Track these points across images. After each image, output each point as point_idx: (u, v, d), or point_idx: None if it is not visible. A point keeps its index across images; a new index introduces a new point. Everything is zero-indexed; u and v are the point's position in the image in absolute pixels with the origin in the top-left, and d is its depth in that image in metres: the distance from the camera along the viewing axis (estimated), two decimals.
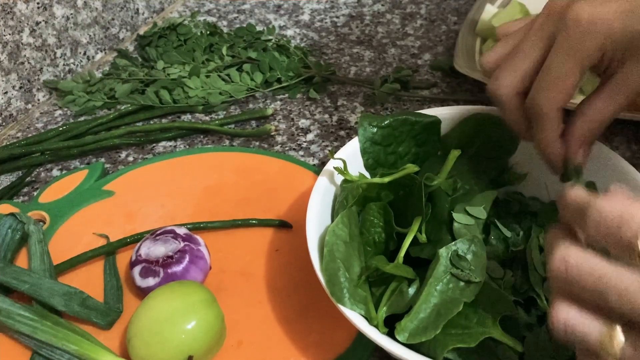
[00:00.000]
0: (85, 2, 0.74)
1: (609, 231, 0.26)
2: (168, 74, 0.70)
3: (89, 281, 0.48)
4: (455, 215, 0.41)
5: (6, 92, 0.66)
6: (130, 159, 0.62)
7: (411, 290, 0.38)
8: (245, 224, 0.51)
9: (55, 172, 0.61)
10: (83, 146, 0.62)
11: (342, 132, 0.63)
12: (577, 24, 0.35)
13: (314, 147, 0.61)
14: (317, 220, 0.41)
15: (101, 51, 0.78)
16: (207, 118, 0.67)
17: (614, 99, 0.37)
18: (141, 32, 0.82)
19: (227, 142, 0.63)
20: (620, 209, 0.26)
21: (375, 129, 0.45)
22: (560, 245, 0.27)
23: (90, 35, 0.75)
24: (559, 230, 0.29)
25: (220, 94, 0.67)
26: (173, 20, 0.77)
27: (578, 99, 0.60)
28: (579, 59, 0.36)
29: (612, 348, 0.25)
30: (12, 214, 0.51)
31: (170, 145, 0.63)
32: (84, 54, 0.75)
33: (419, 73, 0.71)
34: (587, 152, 0.40)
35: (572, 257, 0.27)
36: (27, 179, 0.60)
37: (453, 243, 0.38)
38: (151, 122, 0.66)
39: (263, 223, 0.51)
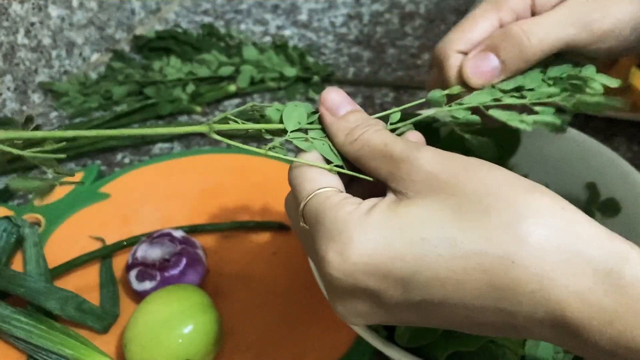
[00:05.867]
0: (80, 2, 0.73)
1: (293, 190, 0.29)
2: (165, 75, 0.69)
3: (85, 285, 0.47)
4: None
5: (1, 94, 0.66)
6: (127, 160, 0.61)
7: None
8: (242, 226, 0.51)
9: (51, 175, 0.60)
10: (78, 148, 0.61)
11: None
12: None
13: None
14: None
15: (97, 52, 0.77)
16: (204, 119, 0.66)
17: None
18: (137, 32, 0.81)
19: (224, 143, 0.62)
20: (296, 174, 0.29)
21: None
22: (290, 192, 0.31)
23: (85, 36, 0.75)
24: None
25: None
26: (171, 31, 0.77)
27: None
28: None
29: None
30: (7, 217, 0.50)
31: (167, 147, 0.63)
32: (80, 54, 0.75)
33: (418, 73, 0.70)
34: None
35: (287, 202, 0.31)
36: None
37: None
38: (147, 123, 0.66)
39: (261, 225, 0.51)
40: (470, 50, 0.36)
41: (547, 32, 0.33)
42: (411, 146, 0.27)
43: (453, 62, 0.36)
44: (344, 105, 0.31)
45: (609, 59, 0.40)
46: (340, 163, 0.30)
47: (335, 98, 0.31)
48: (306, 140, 0.30)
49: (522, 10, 0.36)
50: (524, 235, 0.23)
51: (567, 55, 0.35)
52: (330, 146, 0.30)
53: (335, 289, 0.27)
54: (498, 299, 0.24)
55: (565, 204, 0.24)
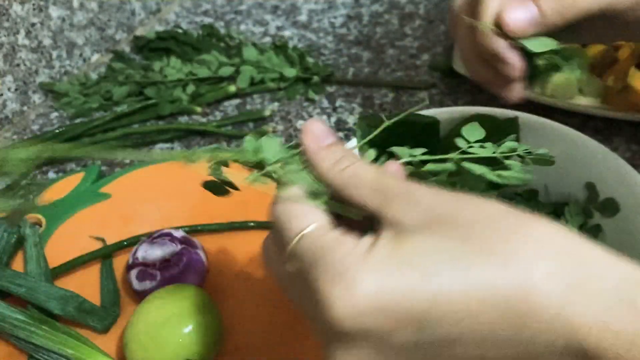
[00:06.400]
0: (81, 3, 0.73)
1: (278, 231, 0.28)
2: (165, 76, 0.69)
3: (86, 284, 0.48)
4: None
5: (2, 94, 0.66)
6: (127, 161, 0.61)
7: None
8: (243, 226, 0.51)
9: (52, 175, 0.60)
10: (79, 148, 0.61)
11: (340, 134, 0.63)
12: None
13: None
14: None
15: (97, 52, 0.77)
16: (204, 119, 0.66)
17: None
18: (138, 33, 0.81)
19: (224, 143, 0.63)
20: (280, 212, 0.28)
21: (373, 131, 0.45)
22: (267, 237, 0.31)
23: (86, 37, 0.75)
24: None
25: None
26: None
27: (578, 99, 0.60)
28: None
29: None
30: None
31: (167, 147, 0.63)
32: (80, 55, 0.75)
33: (417, 74, 0.70)
34: None
35: (266, 251, 0.30)
36: (23, 182, 0.59)
37: None
38: (148, 123, 0.66)
39: (261, 225, 0.51)
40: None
41: None
42: (403, 181, 0.27)
43: (491, 3, 0.37)
44: (328, 136, 0.30)
45: (635, 38, 0.40)
46: (326, 195, 0.28)
47: (319, 128, 0.30)
48: (288, 171, 0.29)
49: None
50: (538, 261, 0.23)
51: (590, 28, 0.36)
52: (312, 178, 0.29)
53: (337, 337, 0.25)
54: (517, 327, 0.23)
55: (567, 229, 0.24)
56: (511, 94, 0.41)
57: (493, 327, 0.23)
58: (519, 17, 0.35)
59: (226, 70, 0.69)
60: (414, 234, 0.25)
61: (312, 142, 0.30)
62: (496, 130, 0.45)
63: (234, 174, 0.31)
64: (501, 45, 0.37)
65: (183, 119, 0.67)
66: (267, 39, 0.79)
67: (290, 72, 0.69)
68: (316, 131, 0.30)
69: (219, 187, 0.32)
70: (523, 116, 0.43)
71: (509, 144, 0.34)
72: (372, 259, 0.24)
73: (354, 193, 0.27)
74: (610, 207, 0.42)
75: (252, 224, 0.51)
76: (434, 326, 0.23)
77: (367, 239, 0.25)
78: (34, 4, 0.67)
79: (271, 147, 0.30)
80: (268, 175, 0.29)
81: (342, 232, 0.26)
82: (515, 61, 0.38)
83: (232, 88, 0.68)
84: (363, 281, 0.24)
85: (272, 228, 0.29)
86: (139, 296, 0.45)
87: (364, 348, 0.24)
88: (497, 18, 0.36)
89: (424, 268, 0.23)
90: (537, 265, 0.23)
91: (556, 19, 0.35)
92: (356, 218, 0.28)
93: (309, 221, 0.27)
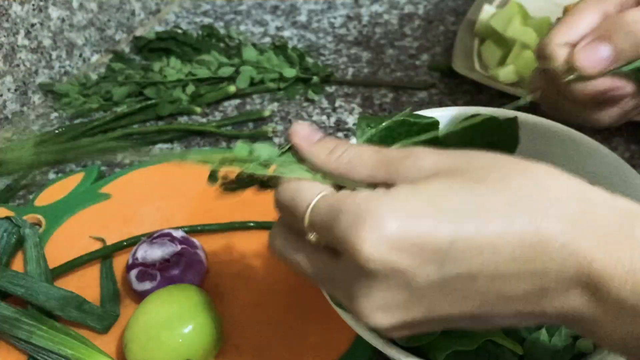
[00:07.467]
0: (80, 3, 0.73)
1: (288, 212, 0.29)
2: (165, 76, 0.69)
3: (86, 285, 0.48)
4: None
5: (1, 95, 0.66)
6: (127, 161, 0.61)
7: None
8: (242, 226, 0.51)
9: (51, 175, 0.60)
10: (79, 149, 0.61)
11: (340, 134, 0.63)
12: None
13: None
14: None
15: (97, 53, 0.77)
16: (204, 120, 0.66)
17: None
18: (137, 33, 0.81)
19: (224, 144, 0.63)
20: (286, 191, 0.28)
21: (373, 131, 0.45)
22: (274, 229, 0.31)
23: (86, 37, 0.75)
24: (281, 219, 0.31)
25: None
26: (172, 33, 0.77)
27: None
28: None
29: None
30: (8, 218, 0.51)
31: (167, 148, 0.63)
32: (80, 55, 0.75)
33: (417, 74, 0.70)
34: None
35: (276, 241, 0.31)
36: (22, 182, 0.59)
37: None
38: (147, 124, 0.66)
39: (261, 225, 0.51)
40: (577, 42, 0.36)
41: None
42: (402, 149, 0.28)
43: (561, 54, 0.37)
44: (316, 133, 0.31)
45: None
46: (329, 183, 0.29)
47: (305, 128, 0.31)
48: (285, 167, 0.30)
49: (626, 1, 0.37)
50: (548, 193, 0.25)
51: None
52: (312, 173, 0.29)
53: (367, 279, 0.25)
54: (531, 260, 0.24)
55: (567, 173, 0.26)
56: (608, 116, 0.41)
57: (509, 258, 0.24)
58: (593, 58, 0.36)
59: (226, 71, 0.69)
60: (429, 180, 0.26)
61: (303, 141, 0.30)
62: (496, 130, 0.45)
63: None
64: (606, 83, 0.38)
65: (183, 119, 0.67)
66: (267, 39, 0.79)
67: (290, 72, 0.69)
68: (303, 131, 0.31)
69: (239, 182, 0.32)
70: (523, 116, 0.43)
71: None
72: (393, 200, 0.25)
73: (356, 174, 0.28)
74: None
75: (251, 224, 0.51)
76: (455, 262, 0.24)
77: (382, 188, 0.26)
78: (33, 5, 0.67)
79: (265, 150, 0.30)
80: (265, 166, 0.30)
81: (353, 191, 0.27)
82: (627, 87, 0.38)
83: (232, 88, 0.68)
84: (387, 221, 0.24)
85: (279, 217, 0.30)
86: (139, 296, 0.45)
87: (392, 288, 0.25)
88: (571, 62, 0.37)
89: (443, 207, 0.24)
90: (550, 196, 0.25)
91: (632, 53, 0.35)
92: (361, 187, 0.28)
93: (317, 190, 0.28)
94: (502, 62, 0.65)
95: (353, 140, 0.45)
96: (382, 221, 0.24)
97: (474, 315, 0.26)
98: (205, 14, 0.86)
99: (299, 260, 0.29)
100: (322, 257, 0.28)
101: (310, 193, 0.28)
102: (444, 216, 0.24)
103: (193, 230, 0.51)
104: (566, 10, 0.60)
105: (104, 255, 0.49)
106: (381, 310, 0.26)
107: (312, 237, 0.27)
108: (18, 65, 0.67)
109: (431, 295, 0.25)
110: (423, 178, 0.26)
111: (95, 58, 0.77)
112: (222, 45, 0.77)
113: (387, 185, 0.27)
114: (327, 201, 0.27)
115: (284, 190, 0.29)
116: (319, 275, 0.29)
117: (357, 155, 0.28)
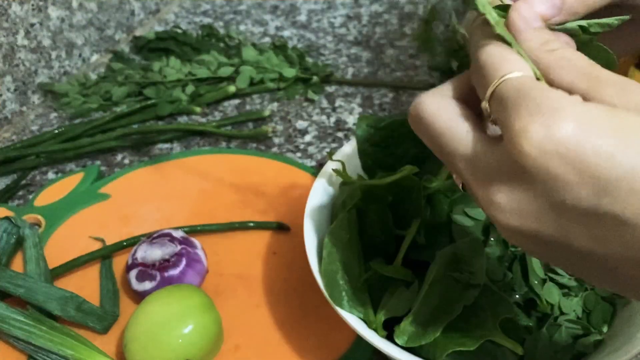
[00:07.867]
0: (80, 3, 0.73)
1: (478, 72, 0.27)
2: (164, 76, 0.69)
3: (85, 285, 0.48)
4: (454, 217, 0.41)
5: (1, 95, 0.66)
6: (126, 161, 0.61)
7: (410, 293, 0.38)
8: (242, 226, 0.51)
9: (51, 175, 0.60)
10: (78, 149, 0.61)
11: (339, 134, 0.63)
12: None
13: (311, 149, 0.61)
14: (315, 222, 0.41)
15: (97, 53, 0.77)
16: (204, 120, 0.66)
17: None
18: (137, 33, 0.81)
19: (224, 144, 0.63)
20: (493, 51, 0.26)
21: (373, 131, 0.45)
22: (433, 90, 0.29)
23: (85, 37, 0.75)
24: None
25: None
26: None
27: None
28: None
29: None
30: (7, 218, 0.51)
31: (167, 147, 0.63)
32: (80, 55, 0.75)
33: (417, 74, 0.70)
34: None
35: (434, 101, 0.28)
36: (22, 182, 0.59)
37: (452, 245, 0.38)
38: (147, 124, 0.66)
39: (260, 225, 0.51)
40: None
41: None
42: (616, 74, 0.25)
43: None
44: (538, 20, 0.28)
45: None
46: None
47: (530, 11, 0.28)
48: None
49: None
50: None
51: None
52: (514, 45, 0.28)
53: (512, 173, 0.24)
54: None
55: None
56: None
57: None
58: (541, 9, 0.34)
59: (225, 71, 0.69)
60: (629, 112, 0.23)
61: (521, 22, 0.28)
62: None
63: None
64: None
65: (182, 119, 0.67)
66: (267, 39, 0.79)
67: (290, 72, 0.69)
68: (527, 11, 0.28)
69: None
70: None
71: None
72: (584, 109, 0.23)
73: (563, 73, 0.26)
74: None
75: (251, 224, 0.51)
76: (615, 198, 0.22)
77: (578, 96, 0.24)
78: (33, 4, 0.67)
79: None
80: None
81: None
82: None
83: (232, 88, 0.68)
84: (567, 124, 0.22)
85: (451, 80, 0.29)
86: (139, 296, 0.45)
87: (536, 194, 0.23)
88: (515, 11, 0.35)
89: (632, 140, 0.22)
90: None
91: (578, 7, 0.34)
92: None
93: (519, 67, 0.26)
94: None
95: (353, 141, 0.45)
96: (559, 122, 0.22)
97: (607, 267, 0.24)
98: (204, 13, 0.86)
99: (453, 127, 0.27)
100: (480, 136, 0.26)
101: (511, 66, 0.26)
102: (629, 151, 0.22)
103: (193, 230, 0.51)
104: None
105: (104, 255, 0.49)
106: (514, 212, 0.24)
107: (486, 107, 0.26)
108: (17, 65, 0.67)
109: (571, 219, 0.23)
110: (624, 109, 0.23)
111: (94, 58, 0.77)
112: (221, 45, 0.77)
113: (585, 99, 0.25)
114: (521, 83, 0.25)
115: (493, 49, 0.27)
116: (464, 154, 0.27)
117: (570, 57, 0.26)
